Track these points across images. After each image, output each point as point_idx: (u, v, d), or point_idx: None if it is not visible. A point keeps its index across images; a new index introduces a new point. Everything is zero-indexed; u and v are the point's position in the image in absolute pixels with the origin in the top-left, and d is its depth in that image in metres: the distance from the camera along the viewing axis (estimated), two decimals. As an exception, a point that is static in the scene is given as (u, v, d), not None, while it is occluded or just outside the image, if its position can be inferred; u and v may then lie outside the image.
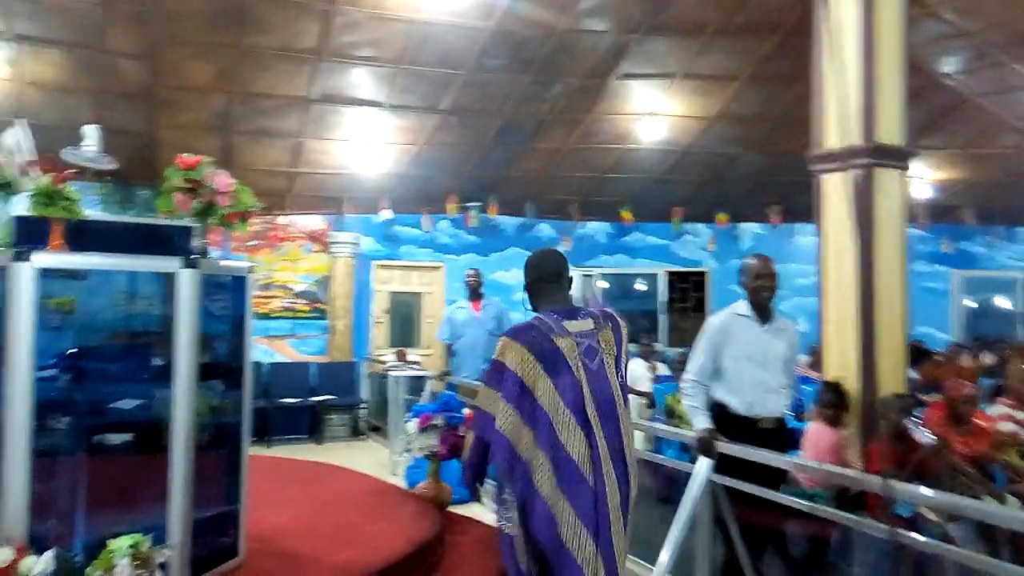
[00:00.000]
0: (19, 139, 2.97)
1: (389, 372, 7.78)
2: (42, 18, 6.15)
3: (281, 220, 8.97)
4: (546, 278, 2.74)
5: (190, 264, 3.02)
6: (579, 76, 7.62)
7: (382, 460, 7.23)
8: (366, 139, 8.09)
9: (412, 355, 9.43)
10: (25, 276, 2.77)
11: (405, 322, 10.27)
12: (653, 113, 8.36)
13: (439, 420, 4.40)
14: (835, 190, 4.54)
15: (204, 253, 3.19)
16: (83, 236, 2.95)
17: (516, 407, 2.47)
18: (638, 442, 6.03)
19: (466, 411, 4.44)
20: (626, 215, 10.11)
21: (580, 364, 2.53)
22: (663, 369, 7.36)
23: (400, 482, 5.79)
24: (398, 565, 3.37)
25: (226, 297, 3.38)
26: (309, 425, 8.49)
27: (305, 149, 8.06)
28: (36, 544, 2.71)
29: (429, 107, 7.78)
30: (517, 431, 2.46)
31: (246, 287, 3.37)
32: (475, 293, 6.40)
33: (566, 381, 2.50)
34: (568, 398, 2.49)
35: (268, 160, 8.05)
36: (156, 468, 3.00)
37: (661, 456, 4.28)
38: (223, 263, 3.32)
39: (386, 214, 9.37)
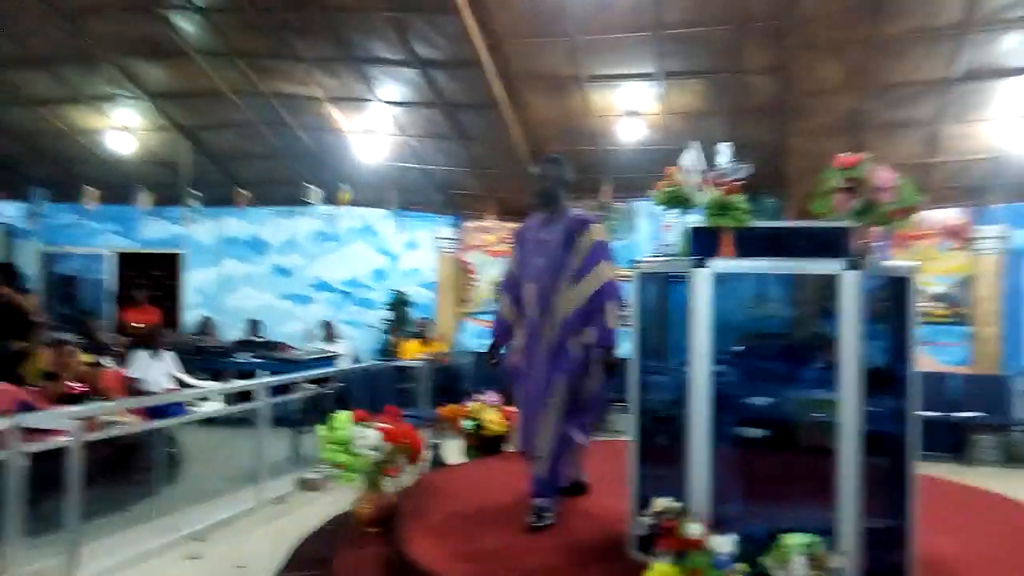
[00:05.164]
0: (696, 159, 3.35)
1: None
2: (687, 54, 6.96)
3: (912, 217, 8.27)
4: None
5: (853, 265, 2.95)
6: None
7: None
8: (1019, 114, 6.84)
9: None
10: (703, 281, 3.10)
11: (1078, 330, 8.36)
12: None
13: None
14: None
15: (865, 253, 3.08)
16: (749, 242, 3.16)
17: None
18: None
19: None
20: None
21: None
22: None
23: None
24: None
25: (888, 299, 3.20)
26: (951, 443, 7.57)
27: (942, 136, 7.25)
28: (716, 525, 2.99)
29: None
30: None
31: (909, 289, 3.13)
32: None
33: None
34: None
35: (899, 154, 7.49)
36: (822, 470, 3.01)
37: None
38: (886, 263, 3.15)
39: (1049, 200, 7.76)
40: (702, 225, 3.24)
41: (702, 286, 3.09)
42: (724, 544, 2.83)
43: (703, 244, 3.22)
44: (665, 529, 2.96)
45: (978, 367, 8.12)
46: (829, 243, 3.06)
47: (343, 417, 4.19)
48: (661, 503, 3.02)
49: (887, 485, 3.18)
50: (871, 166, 3.09)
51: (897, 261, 3.19)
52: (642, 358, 3.47)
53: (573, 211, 3.79)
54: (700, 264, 3.10)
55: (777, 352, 3.57)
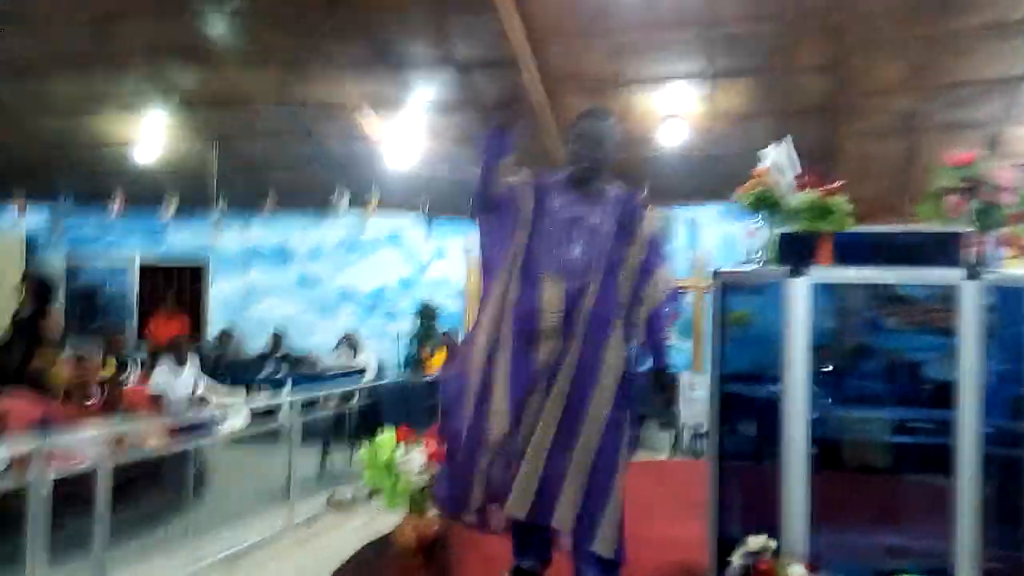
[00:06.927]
0: (787, 157, 3.04)
1: None
2: (735, 52, 6.65)
3: None
4: None
5: (973, 275, 2.63)
6: None
7: None
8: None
9: None
10: (801, 291, 2.78)
11: None
12: None
13: None
14: None
15: (982, 261, 2.77)
16: (848, 249, 2.85)
17: None
18: None
19: None
20: None
21: None
22: None
23: None
24: None
25: (1003, 311, 2.88)
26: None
27: (1004, 138, 6.89)
28: (814, 563, 2.67)
29: None
30: None
31: (1031, 301, 2.82)
32: None
33: None
34: None
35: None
36: (933, 498, 2.70)
37: None
38: (1007, 272, 2.83)
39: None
40: (793, 230, 2.94)
41: (799, 297, 2.77)
42: (831, 588, 2.52)
43: (794, 251, 2.92)
44: (760, 572, 2.65)
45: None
46: (943, 250, 2.75)
47: (387, 438, 3.90)
48: (755, 542, 2.70)
49: (1004, 514, 2.85)
50: (990, 164, 2.78)
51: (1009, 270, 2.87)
52: (722, 376, 3.17)
53: (614, 188, 2.93)
54: (796, 273, 2.79)
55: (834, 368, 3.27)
